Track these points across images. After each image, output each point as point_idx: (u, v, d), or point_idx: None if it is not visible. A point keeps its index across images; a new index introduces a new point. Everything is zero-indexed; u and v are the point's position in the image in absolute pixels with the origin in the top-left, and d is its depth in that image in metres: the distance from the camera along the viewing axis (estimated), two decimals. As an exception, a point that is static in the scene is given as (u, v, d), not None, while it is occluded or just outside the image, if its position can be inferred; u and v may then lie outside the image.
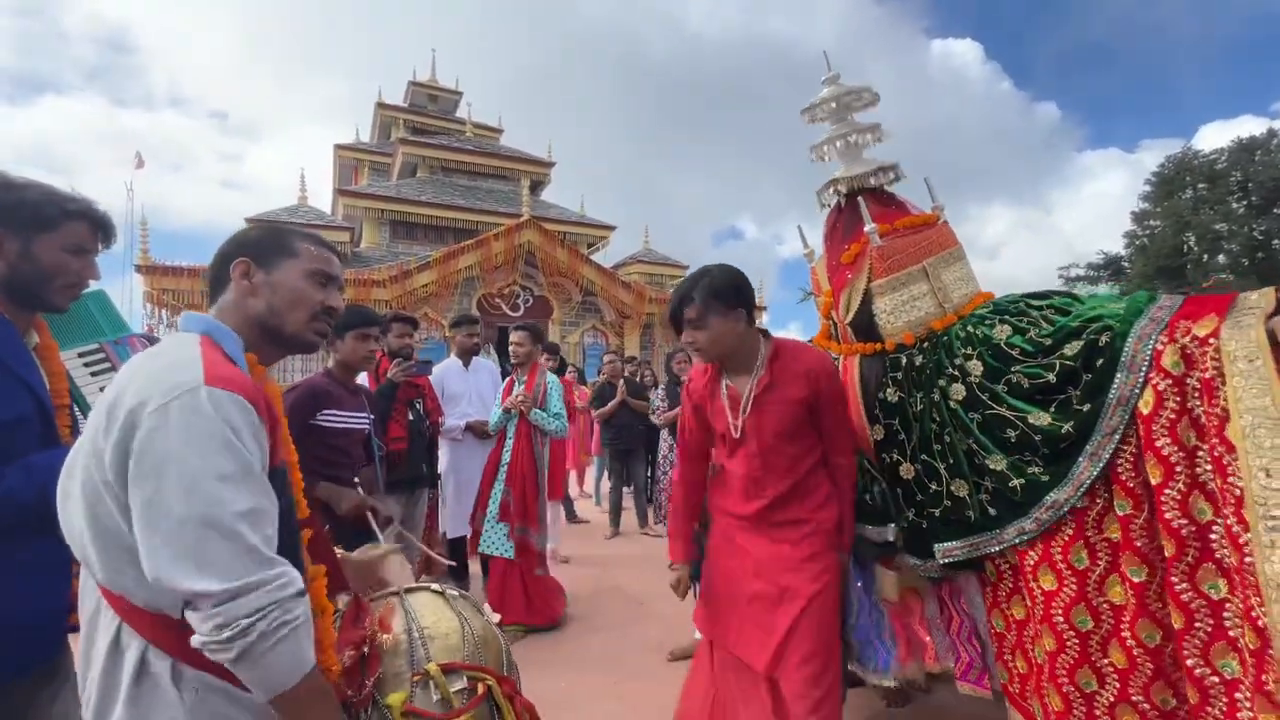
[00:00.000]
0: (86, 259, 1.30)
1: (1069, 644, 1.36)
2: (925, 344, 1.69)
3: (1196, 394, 1.19)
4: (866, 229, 1.75)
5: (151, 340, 1.63)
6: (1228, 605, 1.15)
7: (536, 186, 16.57)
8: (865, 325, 1.79)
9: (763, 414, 1.63)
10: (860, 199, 1.82)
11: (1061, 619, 1.37)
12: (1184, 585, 1.19)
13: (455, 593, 1.38)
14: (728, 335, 1.61)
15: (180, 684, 0.85)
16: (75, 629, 1.20)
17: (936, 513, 1.59)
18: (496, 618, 1.39)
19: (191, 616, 0.79)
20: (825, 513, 1.64)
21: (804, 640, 1.54)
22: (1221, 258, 21.94)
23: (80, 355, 1.48)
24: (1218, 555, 1.16)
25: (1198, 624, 1.18)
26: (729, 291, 1.60)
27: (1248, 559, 1.07)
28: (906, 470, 1.66)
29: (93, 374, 1.48)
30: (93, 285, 1.35)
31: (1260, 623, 1.06)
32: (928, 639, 1.77)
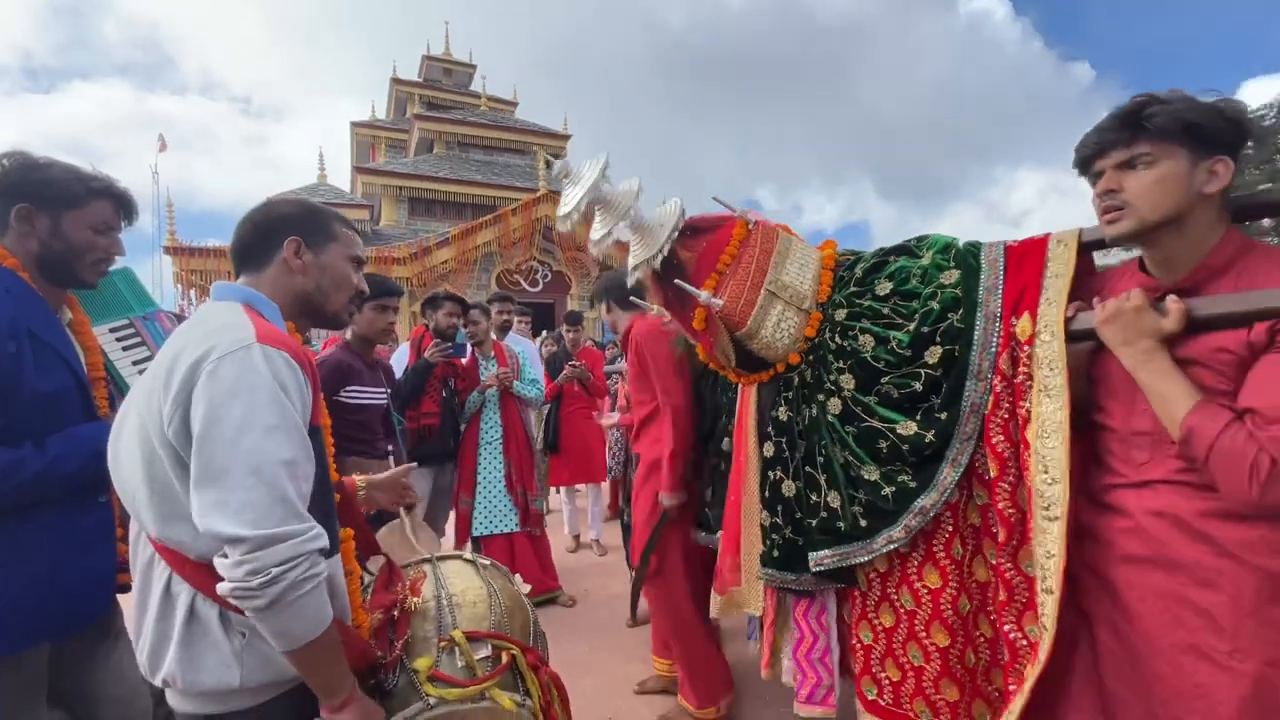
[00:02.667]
0: (112, 236, 1.34)
1: (959, 634, 1.43)
2: (810, 356, 1.68)
3: (1015, 394, 1.31)
4: (702, 300, 1.63)
5: (180, 318, 1.67)
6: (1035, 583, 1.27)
7: (553, 160, 16.43)
8: (752, 362, 1.77)
9: None
10: (677, 281, 1.66)
11: (950, 611, 1.43)
12: (1009, 565, 1.32)
13: (486, 562, 1.40)
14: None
15: (228, 629, 0.90)
16: (125, 589, 1.28)
17: (812, 523, 1.62)
18: (527, 588, 1.42)
19: (222, 564, 0.82)
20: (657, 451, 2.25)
21: None
22: (1266, 220, 21.01)
23: (111, 330, 1.53)
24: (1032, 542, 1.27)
25: (1017, 597, 1.31)
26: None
27: (1030, 542, 1.24)
28: (789, 487, 1.68)
29: (124, 348, 1.53)
30: (119, 263, 1.39)
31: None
32: (768, 645, 1.83)
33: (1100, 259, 1.39)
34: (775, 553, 1.70)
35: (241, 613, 0.85)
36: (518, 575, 1.47)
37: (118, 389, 1.47)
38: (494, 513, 3.31)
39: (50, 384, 1.20)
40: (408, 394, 2.91)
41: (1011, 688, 1.33)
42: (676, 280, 1.67)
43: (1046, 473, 1.20)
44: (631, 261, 1.73)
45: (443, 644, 1.14)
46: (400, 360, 3.24)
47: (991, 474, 1.34)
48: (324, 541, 0.87)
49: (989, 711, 1.45)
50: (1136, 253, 1.21)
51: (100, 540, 1.29)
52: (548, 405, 4.10)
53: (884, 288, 1.58)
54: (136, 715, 1.38)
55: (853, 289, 1.65)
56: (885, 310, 1.54)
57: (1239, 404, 0.96)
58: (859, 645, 1.60)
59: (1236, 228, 1.07)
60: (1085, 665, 1.22)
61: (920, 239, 1.62)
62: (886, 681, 1.54)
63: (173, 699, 0.95)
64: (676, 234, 1.68)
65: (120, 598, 1.37)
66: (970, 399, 1.38)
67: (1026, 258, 1.37)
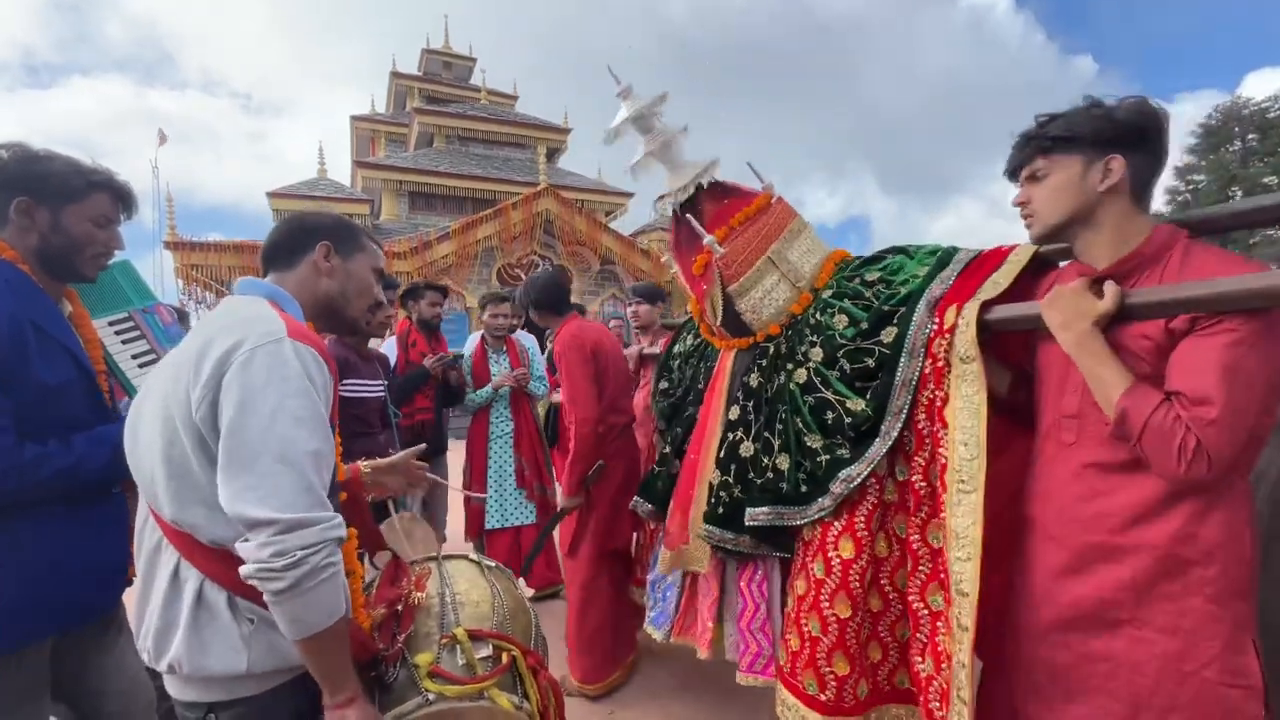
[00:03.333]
0: (112, 229, 1.34)
1: (860, 606, 1.49)
2: (789, 330, 1.78)
3: (936, 377, 1.41)
4: (705, 241, 1.77)
5: (180, 312, 1.67)
6: (943, 553, 1.35)
7: (553, 154, 16.36)
8: (735, 324, 1.87)
9: None
10: (689, 216, 1.83)
11: (857, 583, 1.49)
12: (916, 537, 1.42)
13: (491, 563, 1.41)
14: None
15: (236, 614, 0.92)
16: (131, 582, 1.28)
17: (758, 482, 1.70)
18: (530, 591, 1.42)
19: (246, 546, 0.84)
20: None
21: None
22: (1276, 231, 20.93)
23: (110, 324, 1.53)
24: (943, 514, 1.36)
25: (921, 567, 1.41)
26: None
27: (944, 515, 1.34)
28: (746, 449, 1.77)
29: (123, 341, 1.53)
30: (118, 256, 1.39)
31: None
32: (709, 624, 1.85)
33: None
34: (720, 509, 1.77)
35: (258, 598, 0.87)
36: (521, 580, 1.47)
37: (118, 382, 1.46)
38: (505, 507, 3.33)
39: (56, 376, 1.21)
40: (399, 398, 2.94)
41: (918, 662, 1.41)
42: (689, 216, 1.82)
43: (966, 448, 1.30)
44: (662, 190, 1.90)
45: (444, 641, 1.15)
46: (389, 350, 3.26)
47: (910, 449, 1.45)
48: (343, 531, 0.90)
49: (867, 687, 1.50)
50: None
51: (112, 532, 1.30)
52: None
53: (873, 275, 1.69)
54: (140, 707, 1.39)
55: (845, 274, 1.76)
56: (867, 294, 1.65)
57: (1165, 387, 1.04)
58: (785, 613, 1.67)
59: (1160, 220, 1.18)
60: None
61: (920, 245, 1.73)
62: (789, 650, 1.59)
63: (174, 686, 0.96)
64: (706, 180, 1.83)
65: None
66: (902, 375, 1.47)
67: (986, 262, 1.49)
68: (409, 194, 13.78)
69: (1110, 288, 1.10)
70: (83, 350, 1.31)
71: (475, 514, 3.33)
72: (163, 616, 0.92)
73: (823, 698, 1.48)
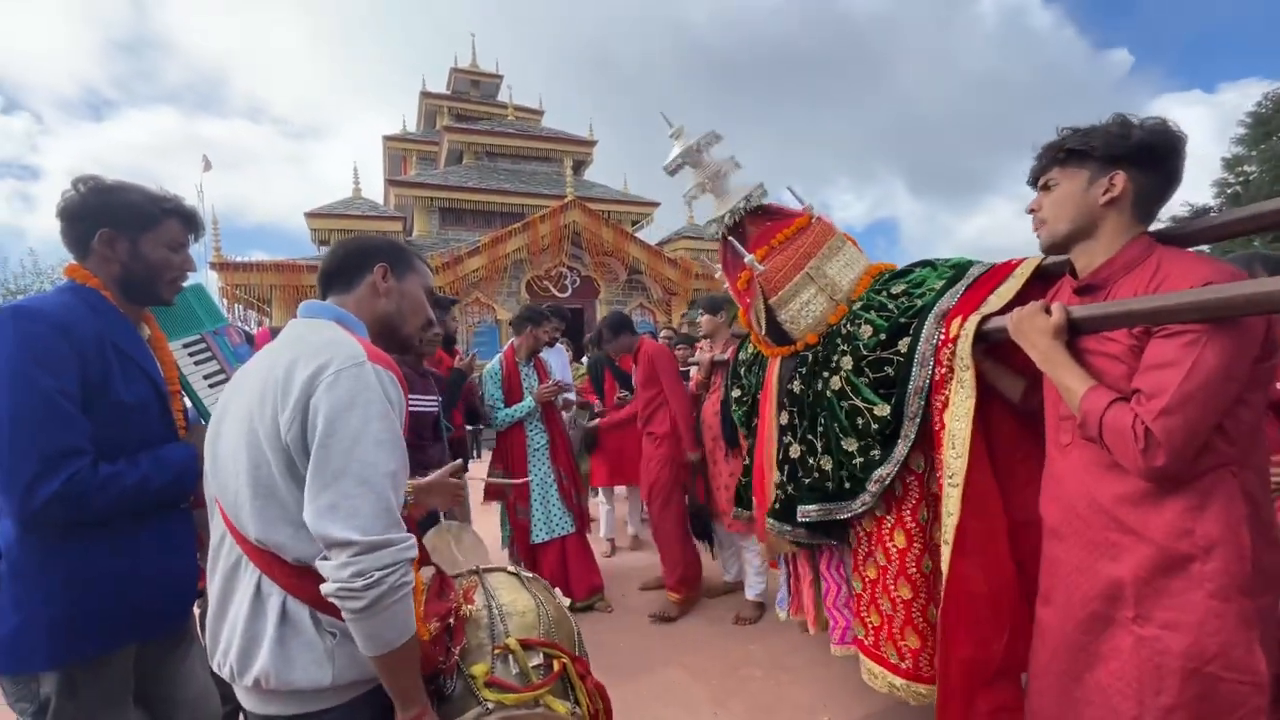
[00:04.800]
0: (184, 253, 1.40)
1: (921, 589, 1.66)
2: (825, 339, 1.93)
3: (943, 383, 1.54)
4: (746, 260, 1.96)
5: (247, 334, 1.75)
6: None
7: (579, 166, 16.55)
8: (777, 334, 2.05)
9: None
10: (732, 237, 2.06)
11: (914, 569, 1.66)
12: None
13: (529, 575, 1.45)
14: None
15: (319, 628, 0.95)
16: (202, 594, 1.35)
17: (807, 482, 1.89)
18: (568, 601, 1.46)
19: (326, 565, 0.87)
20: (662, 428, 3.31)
21: None
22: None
23: (184, 345, 1.59)
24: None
25: None
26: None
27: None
28: (795, 450, 1.96)
29: (196, 363, 1.59)
30: (190, 279, 1.45)
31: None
32: (809, 603, 2.14)
33: None
34: (778, 505, 1.99)
35: (338, 614, 0.90)
36: (558, 590, 1.51)
37: (191, 401, 1.54)
38: (551, 519, 3.39)
39: (134, 395, 1.27)
40: (447, 402, 3.03)
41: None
42: (732, 239, 2.06)
43: (954, 448, 1.45)
44: (709, 217, 2.14)
45: (497, 651, 1.19)
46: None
47: (938, 448, 1.56)
48: (415, 551, 0.93)
49: None
50: None
51: (184, 547, 1.37)
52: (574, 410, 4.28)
53: (899, 287, 1.82)
54: (206, 716, 1.46)
55: (875, 287, 1.89)
56: (890, 306, 1.77)
57: (1130, 386, 1.10)
58: (855, 593, 1.87)
59: (1148, 234, 1.21)
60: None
61: (947, 259, 1.83)
62: (870, 625, 1.79)
63: (253, 701, 0.99)
64: (748, 206, 2.05)
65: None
66: (914, 383, 1.60)
67: (994, 276, 1.60)
68: (440, 210, 14.08)
69: (1056, 307, 1.21)
70: (159, 372, 1.37)
71: (522, 530, 3.37)
72: (246, 633, 0.95)
73: (903, 666, 1.69)
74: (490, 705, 1.08)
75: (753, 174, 2.16)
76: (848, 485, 1.75)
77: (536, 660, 1.21)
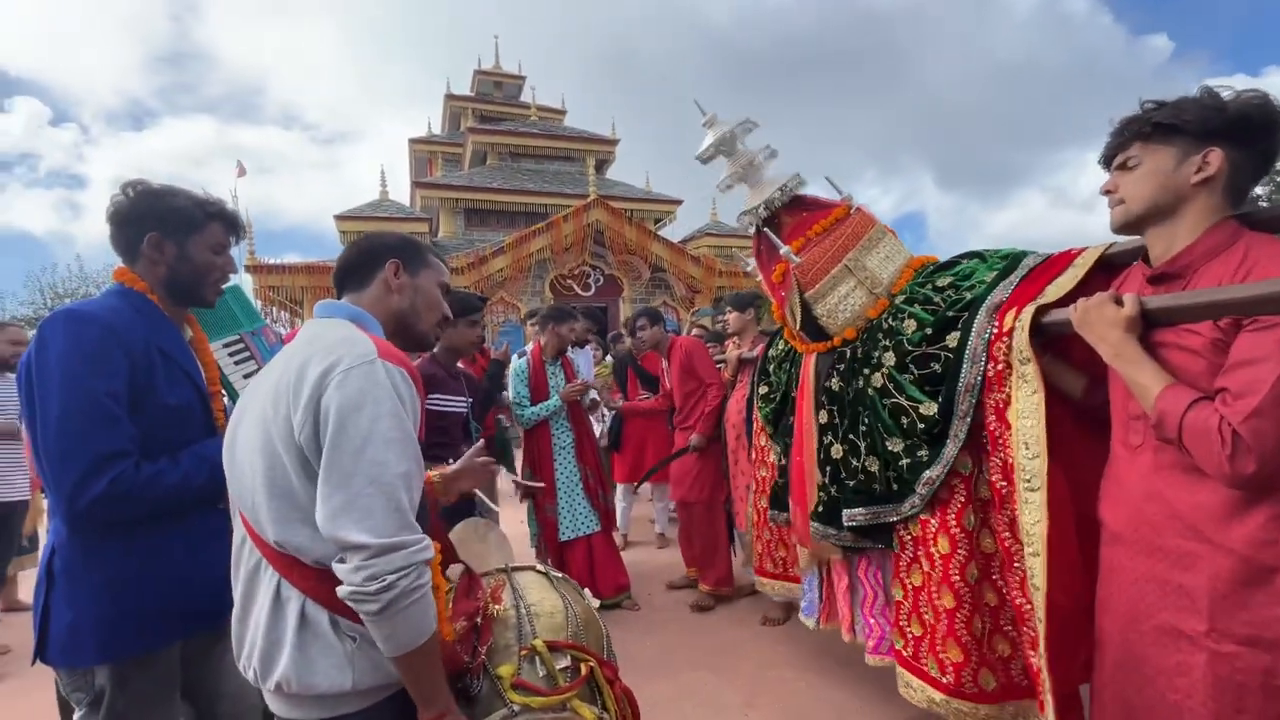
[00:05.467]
0: (226, 255, 1.42)
1: (965, 599, 1.56)
2: (864, 335, 1.85)
3: (1000, 379, 1.44)
4: (782, 253, 1.88)
5: (279, 334, 1.77)
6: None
7: (602, 165, 16.57)
8: (814, 329, 1.97)
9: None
10: (767, 229, 1.97)
11: (958, 577, 1.57)
12: (1007, 534, 1.47)
13: (559, 575, 1.43)
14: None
15: (338, 633, 0.94)
16: None
17: (851, 484, 1.81)
18: (596, 603, 1.43)
19: (341, 568, 0.86)
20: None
21: None
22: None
23: (224, 346, 1.61)
24: (1017, 511, 1.40)
25: (1015, 563, 1.45)
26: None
27: (1015, 512, 1.39)
28: (837, 450, 1.88)
29: (236, 363, 1.61)
30: (230, 280, 1.47)
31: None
32: (846, 610, 2.03)
33: None
34: (821, 508, 1.92)
35: (356, 617, 0.89)
36: (587, 590, 1.49)
37: (232, 402, 1.57)
38: (577, 517, 3.39)
39: (177, 397, 1.30)
40: (480, 413, 3.06)
41: (1031, 655, 1.43)
42: (767, 231, 1.97)
43: (1027, 449, 1.35)
44: (742, 208, 2.06)
45: (524, 652, 1.17)
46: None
47: (988, 449, 1.50)
48: (430, 553, 0.92)
49: (995, 679, 1.56)
50: None
51: (223, 543, 1.39)
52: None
53: (944, 280, 1.72)
54: (247, 709, 1.48)
55: (919, 280, 1.80)
56: (936, 299, 1.68)
57: (1214, 384, 1.00)
58: (895, 601, 1.77)
59: (1234, 218, 1.10)
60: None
61: (997, 250, 1.73)
62: (910, 636, 1.70)
63: (277, 704, 0.99)
64: (786, 194, 1.96)
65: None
66: (965, 379, 1.51)
67: (1052, 267, 1.50)
68: (465, 211, 14.23)
69: (1129, 297, 1.10)
70: (201, 373, 1.40)
71: (550, 527, 3.38)
72: (268, 636, 0.94)
73: (944, 680, 1.59)
74: (516, 708, 1.06)
75: (780, 169, 2.10)
76: (895, 487, 1.67)
77: (564, 663, 1.18)
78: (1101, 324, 1.14)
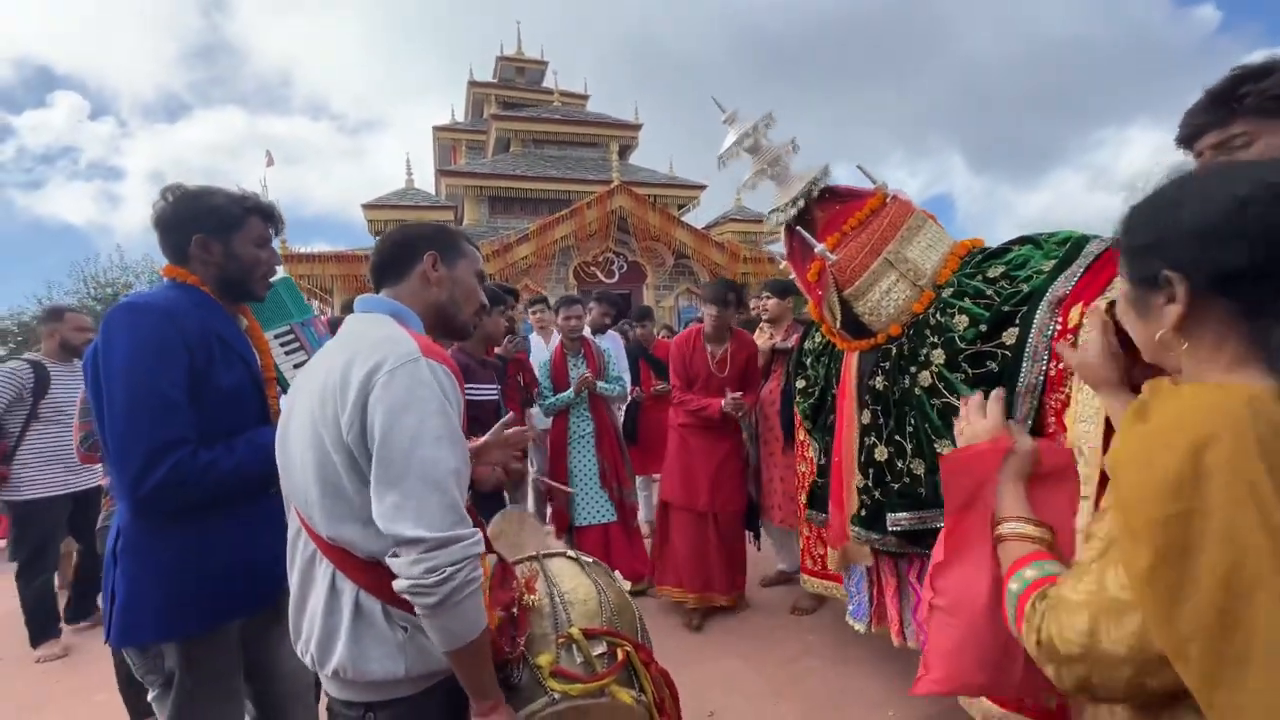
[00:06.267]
0: (269, 248, 1.45)
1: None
2: (910, 331, 1.74)
3: (1060, 379, 1.36)
4: (817, 251, 1.77)
5: (333, 323, 1.80)
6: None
7: (625, 150, 16.45)
8: (854, 326, 1.88)
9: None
10: (800, 228, 1.85)
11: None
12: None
13: (589, 559, 1.43)
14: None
15: (391, 622, 0.96)
16: None
17: (896, 487, 1.72)
18: (628, 585, 1.43)
19: (397, 562, 0.88)
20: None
21: None
22: None
23: (275, 337, 1.64)
24: None
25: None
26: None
27: None
28: (880, 453, 1.78)
29: (287, 353, 1.65)
30: (277, 272, 1.50)
31: None
32: (895, 614, 1.94)
33: None
34: (863, 512, 1.84)
35: (408, 608, 0.91)
36: (617, 571, 1.49)
37: (283, 390, 1.61)
38: (591, 505, 3.40)
39: (232, 382, 1.33)
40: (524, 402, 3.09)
41: None
42: (799, 229, 1.85)
43: (1081, 455, 1.26)
44: (770, 206, 1.96)
45: (561, 641, 1.18)
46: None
47: None
48: (482, 546, 0.93)
49: (1055, 696, 1.45)
50: None
51: (275, 527, 1.44)
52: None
53: (996, 270, 1.60)
54: (303, 688, 1.54)
55: (966, 271, 1.69)
56: (989, 291, 1.57)
57: None
58: None
59: None
60: None
61: (1053, 233, 1.61)
62: None
63: (333, 688, 1.02)
64: (814, 191, 1.86)
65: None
66: (1026, 380, 1.42)
67: (1104, 271, 1.39)
68: (489, 199, 14.28)
69: None
70: (256, 361, 1.43)
71: (560, 513, 3.41)
72: (324, 625, 0.97)
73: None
74: (557, 696, 1.08)
75: (805, 154, 2.01)
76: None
77: (600, 649, 1.20)
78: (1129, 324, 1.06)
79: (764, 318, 3.54)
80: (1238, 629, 0.49)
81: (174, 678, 1.29)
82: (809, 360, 2.31)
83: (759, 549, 3.55)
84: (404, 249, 1.14)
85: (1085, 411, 1.28)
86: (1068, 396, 1.33)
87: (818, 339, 2.26)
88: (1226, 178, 0.62)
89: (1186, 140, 1.09)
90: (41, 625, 3.15)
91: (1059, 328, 1.38)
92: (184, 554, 1.28)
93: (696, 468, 3.07)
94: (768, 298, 3.46)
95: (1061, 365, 1.36)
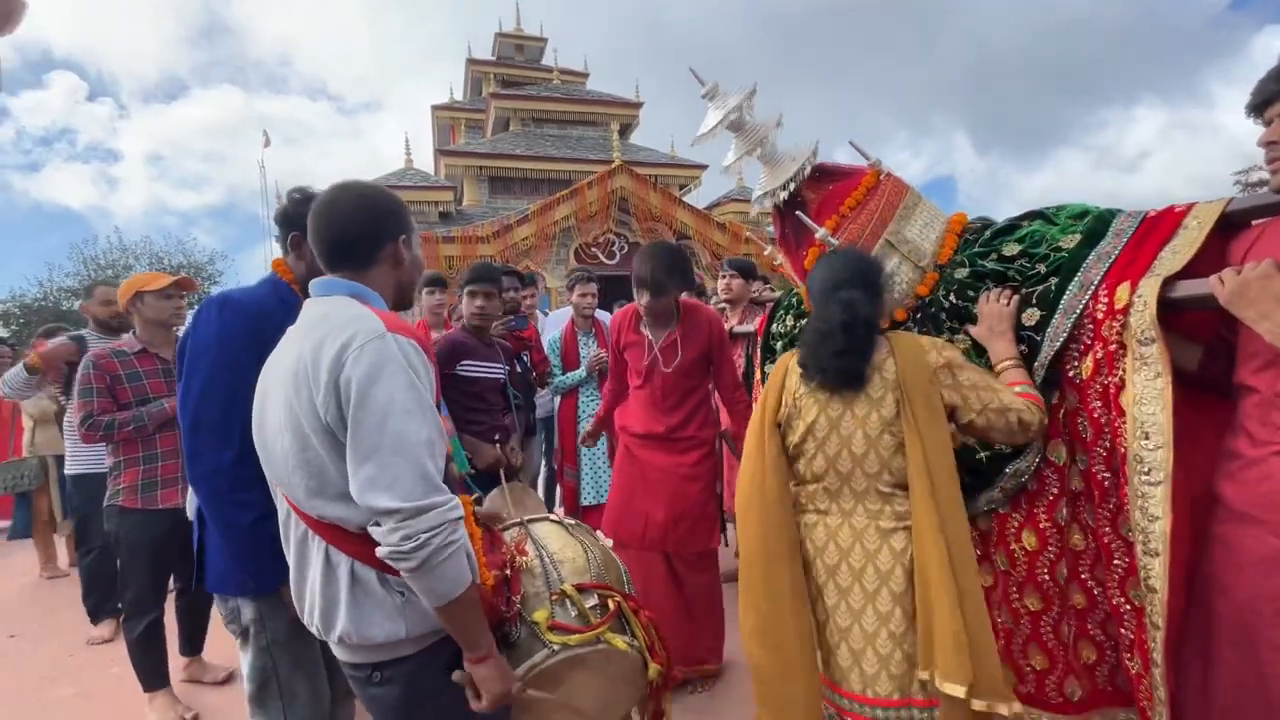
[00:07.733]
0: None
1: (1054, 600, 1.42)
2: (917, 314, 1.64)
3: (1109, 362, 1.28)
4: (818, 236, 1.63)
5: None
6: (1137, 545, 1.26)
7: (625, 129, 16.30)
8: None
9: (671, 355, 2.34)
10: (798, 211, 1.69)
11: (1046, 576, 1.43)
12: (1108, 529, 1.33)
13: (572, 522, 1.49)
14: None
15: (387, 588, 1.00)
16: None
17: None
18: (609, 542, 1.48)
19: (378, 531, 0.92)
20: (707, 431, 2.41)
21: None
22: None
23: None
24: (1128, 506, 1.25)
25: (1116, 561, 1.32)
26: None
27: (1126, 507, 1.26)
28: None
29: None
30: None
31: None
32: None
33: None
34: None
35: (397, 573, 0.95)
36: (599, 531, 1.55)
37: None
38: (600, 485, 3.41)
39: None
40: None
41: (1128, 659, 1.31)
42: (797, 213, 1.70)
43: (1148, 439, 1.20)
44: (757, 191, 1.80)
45: (554, 597, 1.24)
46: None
47: (1088, 437, 1.34)
48: (460, 511, 0.97)
49: (1080, 688, 1.43)
50: None
51: None
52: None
53: (1012, 249, 1.53)
54: None
55: (977, 249, 1.60)
56: (1009, 273, 1.50)
57: None
58: None
59: None
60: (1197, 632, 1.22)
61: (1060, 207, 1.55)
62: None
63: (340, 651, 1.07)
64: (805, 171, 1.71)
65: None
66: (1041, 358, 1.38)
67: (1155, 230, 1.32)
68: (489, 178, 14.21)
69: None
70: None
71: (570, 491, 3.43)
72: (324, 596, 1.01)
73: (1021, 689, 1.47)
74: (556, 647, 1.13)
75: (808, 134, 1.85)
76: (966, 480, 1.49)
77: (592, 601, 1.26)
78: (1267, 301, 0.98)
79: (724, 298, 3.35)
80: None
81: (249, 632, 1.41)
82: (779, 345, 2.12)
83: (726, 544, 3.17)
84: (372, 228, 1.10)
85: (1148, 394, 1.20)
86: (1122, 379, 1.26)
87: (789, 322, 2.08)
88: None
89: (1257, 108, 1.08)
90: (100, 601, 3.19)
91: (1105, 308, 1.29)
92: (255, 521, 1.33)
93: (645, 491, 2.30)
94: (733, 276, 3.28)
95: (1111, 347, 1.27)
